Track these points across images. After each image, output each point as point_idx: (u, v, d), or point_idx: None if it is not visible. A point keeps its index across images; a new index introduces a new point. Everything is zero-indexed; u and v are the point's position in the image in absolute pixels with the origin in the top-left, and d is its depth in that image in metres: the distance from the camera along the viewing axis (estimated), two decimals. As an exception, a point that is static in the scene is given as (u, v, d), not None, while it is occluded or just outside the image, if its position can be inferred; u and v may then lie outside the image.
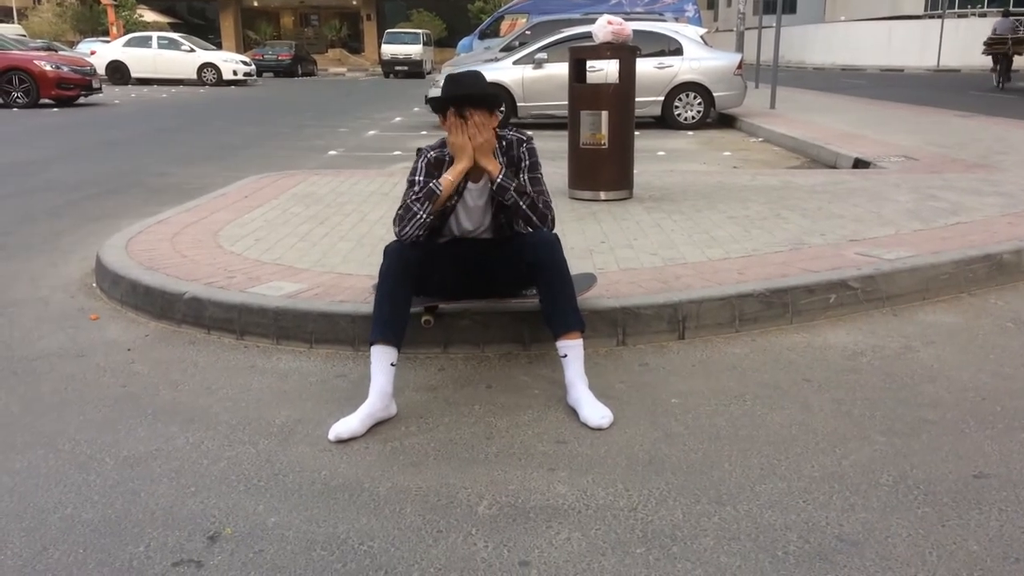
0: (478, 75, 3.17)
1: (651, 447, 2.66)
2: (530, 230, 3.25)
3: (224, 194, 6.42)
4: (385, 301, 2.91)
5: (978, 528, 2.19)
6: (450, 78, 3.13)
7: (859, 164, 7.98)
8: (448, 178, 3.07)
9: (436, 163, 3.17)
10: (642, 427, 2.80)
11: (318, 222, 5.32)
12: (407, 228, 3.03)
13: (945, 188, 6.14)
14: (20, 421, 2.93)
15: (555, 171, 7.13)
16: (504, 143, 3.22)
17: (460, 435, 2.77)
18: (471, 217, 3.26)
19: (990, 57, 21.22)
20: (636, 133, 6.28)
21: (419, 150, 3.25)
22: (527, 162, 3.20)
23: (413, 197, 3.07)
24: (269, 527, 2.26)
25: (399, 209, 3.10)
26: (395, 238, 3.08)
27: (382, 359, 2.85)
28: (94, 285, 4.52)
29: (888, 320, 3.77)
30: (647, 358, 3.40)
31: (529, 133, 3.27)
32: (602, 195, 5.92)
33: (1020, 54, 20.88)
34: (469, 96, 3.05)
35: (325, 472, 2.54)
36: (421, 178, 3.14)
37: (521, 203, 3.08)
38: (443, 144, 3.20)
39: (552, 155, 8.73)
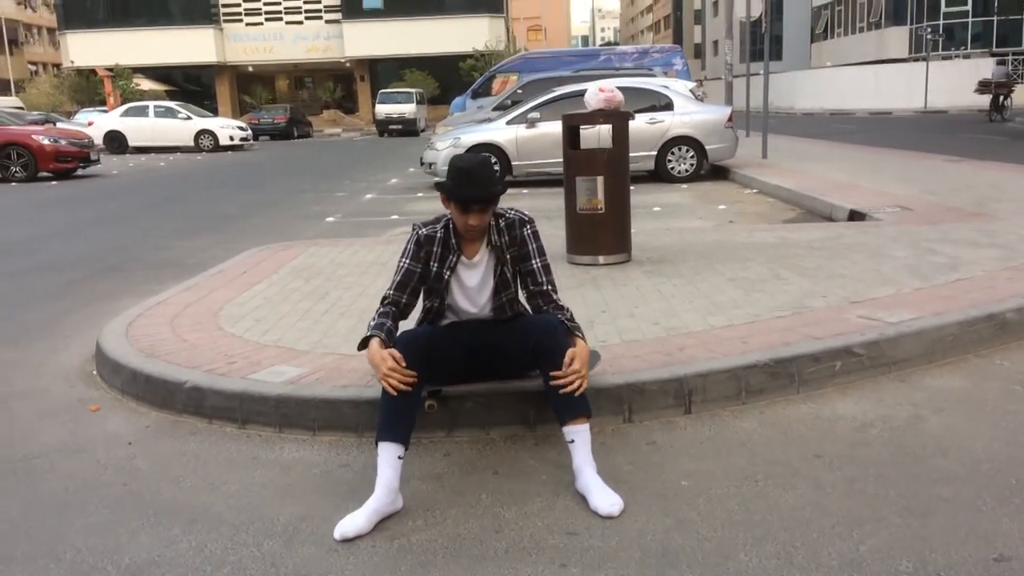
0: (486, 167, 3.10)
1: (663, 536, 2.61)
2: (530, 312, 3.26)
3: (222, 270, 6.42)
4: (392, 398, 2.88)
5: (1003, 618, 2.14)
6: (459, 170, 3.06)
7: (855, 216, 8.01)
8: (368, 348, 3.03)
9: (427, 241, 3.17)
10: (653, 514, 2.75)
11: (318, 298, 5.31)
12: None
13: (942, 241, 6.15)
14: (20, 528, 2.87)
15: (553, 233, 7.15)
16: (503, 222, 3.22)
17: (468, 529, 2.72)
18: (469, 297, 3.25)
19: (987, 96, 25.20)
20: (631, 187, 6.30)
21: (413, 226, 3.25)
22: (534, 246, 3.22)
23: (374, 317, 3.15)
24: (276, 640, 2.20)
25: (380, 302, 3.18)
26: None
27: (390, 453, 2.81)
28: (94, 373, 4.49)
29: (896, 386, 3.74)
30: (654, 435, 3.36)
31: (531, 216, 3.27)
32: (601, 259, 5.93)
33: (1007, 96, 24.86)
34: (479, 198, 3.06)
35: (332, 577, 2.49)
36: (406, 262, 3.18)
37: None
38: (437, 220, 3.21)
39: (549, 215, 8.78)
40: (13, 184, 16.62)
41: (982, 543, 2.48)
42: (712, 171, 13.14)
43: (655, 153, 12.44)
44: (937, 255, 5.65)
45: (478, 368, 3.33)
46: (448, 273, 3.19)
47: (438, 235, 3.18)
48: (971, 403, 3.52)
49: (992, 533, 2.53)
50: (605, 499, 2.78)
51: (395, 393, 2.87)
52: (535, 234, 3.23)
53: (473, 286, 3.24)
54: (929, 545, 2.48)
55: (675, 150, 12.55)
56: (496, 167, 12.26)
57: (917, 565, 2.39)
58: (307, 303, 5.18)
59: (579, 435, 2.93)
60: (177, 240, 9.09)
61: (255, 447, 3.45)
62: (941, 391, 3.66)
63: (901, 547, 2.48)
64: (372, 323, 3.10)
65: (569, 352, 2.97)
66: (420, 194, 12.72)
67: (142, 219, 11.11)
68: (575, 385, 2.92)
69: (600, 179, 5.83)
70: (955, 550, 2.45)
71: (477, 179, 3.06)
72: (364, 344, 3.07)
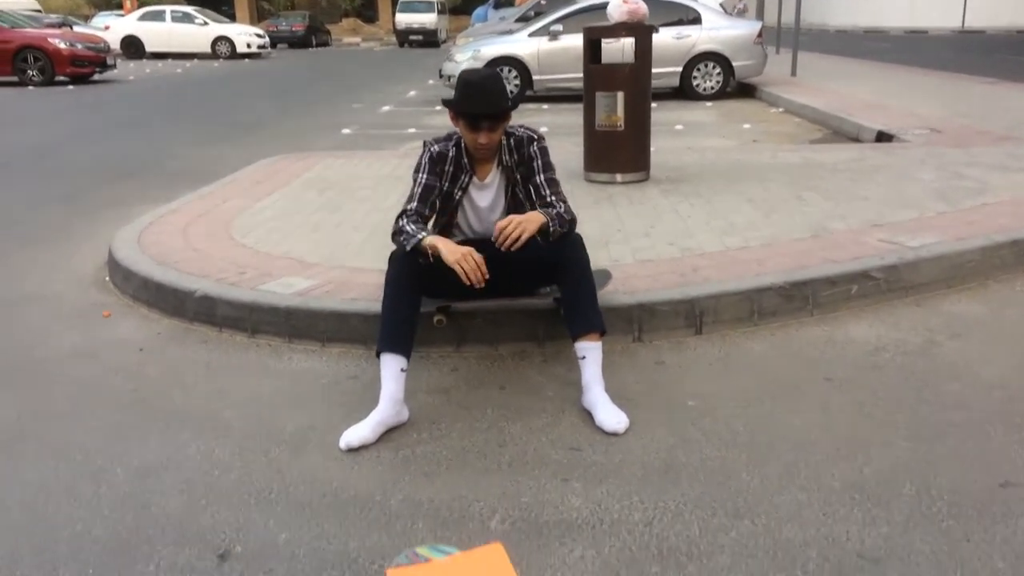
0: (495, 81, 3.00)
1: (667, 454, 2.61)
2: None
3: (236, 179, 6.38)
4: (391, 309, 2.86)
5: (1004, 544, 2.13)
6: (466, 83, 2.96)
7: (882, 137, 7.81)
8: (436, 246, 2.87)
9: (439, 158, 3.09)
10: (658, 432, 2.75)
11: (331, 210, 5.26)
12: (399, 244, 2.96)
13: (971, 164, 5.99)
14: (32, 429, 2.92)
15: (571, 150, 7.04)
16: (513, 140, 3.14)
17: (473, 442, 2.73)
18: (480, 218, 3.20)
19: None
20: (653, 105, 6.15)
21: (425, 143, 3.17)
22: (539, 162, 3.12)
23: (405, 225, 2.95)
24: (280, 544, 2.23)
25: (398, 217, 3.00)
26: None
27: (391, 366, 2.80)
28: (107, 279, 4.51)
29: (912, 311, 3.68)
30: (664, 355, 3.34)
31: (543, 130, 3.18)
32: (618, 178, 5.82)
33: None
34: (487, 115, 2.96)
35: (336, 484, 2.51)
36: (424, 176, 3.07)
37: (562, 229, 2.99)
38: (448, 137, 3.13)
39: (568, 131, 8.63)
40: (30, 88, 16.52)
41: (989, 469, 2.46)
42: (739, 89, 12.83)
43: (680, 69, 12.14)
44: (964, 179, 5.51)
45: (488, 285, 3.28)
46: (460, 194, 3.13)
47: (450, 154, 3.09)
48: (988, 329, 3.46)
49: (1000, 459, 2.51)
50: (611, 416, 2.77)
51: (482, 285, 2.82)
52: (542, 149, 3.14)
53: (484, 207, 3.19)
54: (934, 469, 2.47)
55: (701, 66, 12.24)
56: (518, 81, 12.02)
57: (920, 489, 2.37)
58: (320, 215, 5.15)
59: (591, 352, 2.91)
60: (192, 147, 9.03)
61: (264, 356, 3.47)
62: (958, 316, 3.60)
63: (906, 471, 2.47)
64: (410, 230, 2.91)
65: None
66: (438, 107, 12.50)
67: (158, 126, 11.03)
68: (512, 232, 2.83)
69: (620, 95, 5.67)
70: (961, 475, 2.43)
71: (487, 94, 2.95)
72: (403, 250, 2.92)
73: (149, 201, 6.20)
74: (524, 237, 2.86)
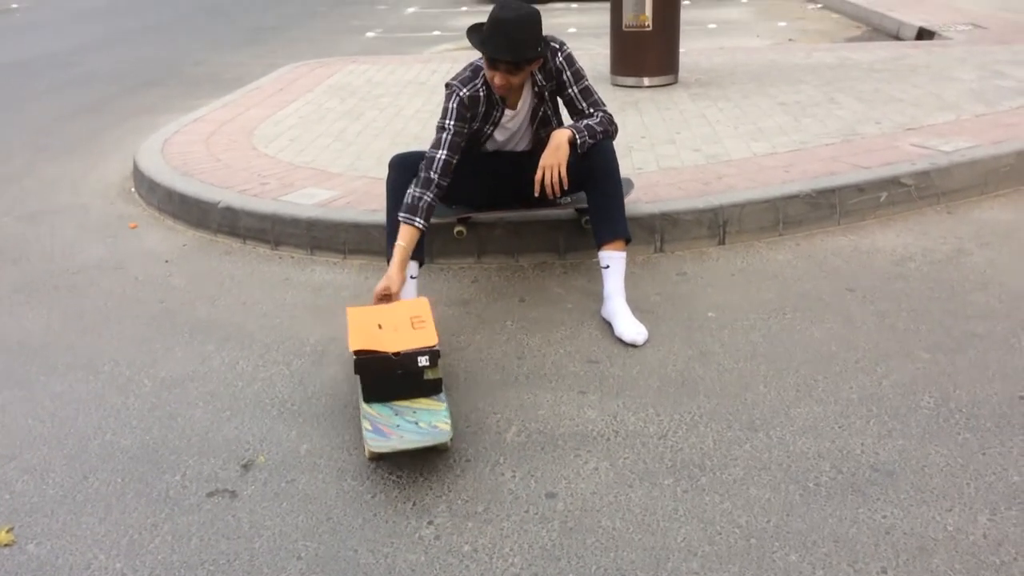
0: (525, 26, 2.72)
1: (684, 367, 2.61)
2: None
3: (259, 87, 6.31)
4: (393, 218, 2.83)
5: (1021, 456, 2.12)
6: (495, 22, 2.73)
7: (923, 34, 7.50)
8: (389, 273, 2.71)
9: (471, 102, 2.87)
10: (676, 344, 2.74)
11: (353, 118, 5.20)
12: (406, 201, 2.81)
13: (1014, 63, 5.74)
14: (61, 340, 2.99)
15: (598, 52, 6.87)
16: None
17: (491, 355, 2.75)
18: (510, 138, 3.09)
19: None
20: (685, 2, 5.94)
21: (448, 86, 2.91)
22: (568, 73, 2.93)
23: (416, 190, 2.76)
24: (301, 455, 2.29)
25: (422, 166, 2.80)
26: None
27: (402, 274, 2.80)
28: (132, 190, 4.53)
29: (942, 219, 3.60)
30: (685, 266, 3.31)
31: (561, 40, 3.03)
32: (646, 81, 5.67)
33: None
34: (506, 61, 2.74)
35: (356, 395, 2.55)
36: (452, 123, 2.83)
37: (597, 139, 2.90)
38: (475, 72, 2.91)
39: (595, 31, 8.40)
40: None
41: (1010, 381, 2.44)
42: (774, -17, 12.31)
43: (714, -37, 11.64)
44: (1006, 79, 5.29)
45: (509, 196, 3.22)
46: (491, 128, 3.00)
47: (480, 95, 2.89)
48: (1019, 237, 3.38)
49: (1022, 371, 2.48)
50: (630, 328, 2.77)
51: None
52: (568, 59, 2.96)
53: (515, 129, 3.06)
54: (954, 381, 2.45)
55: (736, -40, 11.73)
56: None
57: (939, 401, 2.36)
58: (342, 123, 5.09)
59: (615, 261, 2.87)
60: (214, 54, 8.92)
61: (287, 268, 3.49)
62: (988, 224, 3.52)
63: (925, 382, 2.45)
64: (415, 192, 2.74)
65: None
66: (464, 8, 12.19)
67: (180, 30, 10.88)
68: (548, 179, 2.81)
69: (648, -8, 5.47)
70: (981, 387, 2.42)
71: (511, 40, 2.71)
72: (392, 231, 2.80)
73: (173, 110, 6.18)
74: (562, 172, 2.81)
